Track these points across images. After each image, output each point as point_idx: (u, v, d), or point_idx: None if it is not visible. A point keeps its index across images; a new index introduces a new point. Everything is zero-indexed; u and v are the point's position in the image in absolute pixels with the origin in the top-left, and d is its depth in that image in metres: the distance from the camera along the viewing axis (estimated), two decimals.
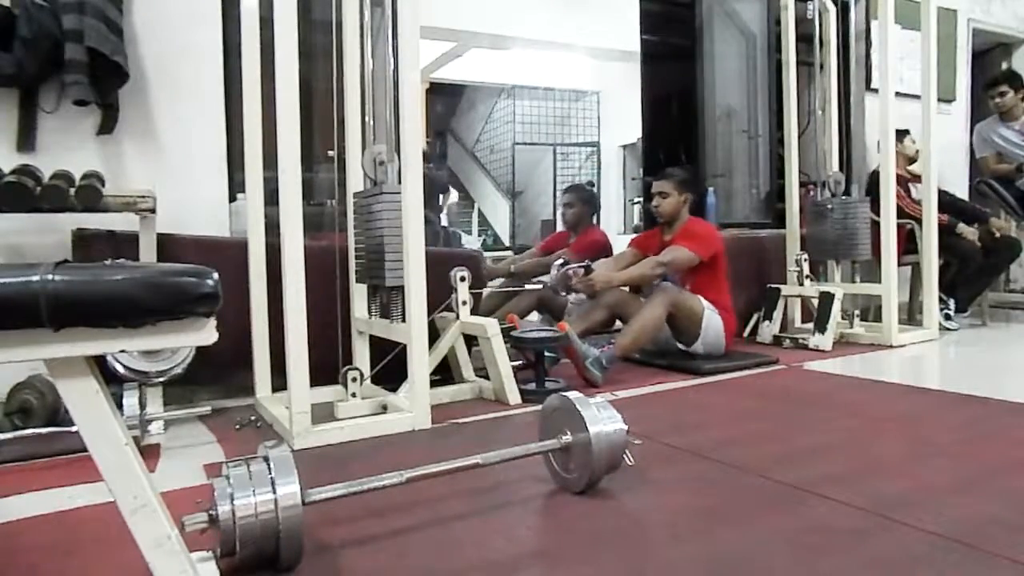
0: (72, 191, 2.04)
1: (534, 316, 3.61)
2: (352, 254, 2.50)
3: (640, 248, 3.29)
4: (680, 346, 3.05)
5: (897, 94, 3.54)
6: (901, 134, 3.96)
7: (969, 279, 3.99)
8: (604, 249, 3.77)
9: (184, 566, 0.90)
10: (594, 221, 4.01)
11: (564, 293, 3.00)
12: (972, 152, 4.92)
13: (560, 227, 4.23)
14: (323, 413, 2.14)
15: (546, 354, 2.61)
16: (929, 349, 3.46)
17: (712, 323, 2.98)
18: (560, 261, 3.03)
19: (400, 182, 2.17)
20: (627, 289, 3.18)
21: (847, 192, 3.79)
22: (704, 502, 1.52)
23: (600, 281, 2.92)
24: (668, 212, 3.16)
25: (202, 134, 2.60)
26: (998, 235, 4.01)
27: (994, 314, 4.28)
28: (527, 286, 3.40)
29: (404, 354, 2.16)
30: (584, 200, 3.85)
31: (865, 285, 3.64)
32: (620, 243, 4.55)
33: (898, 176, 3.71)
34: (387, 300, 2.32)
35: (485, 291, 3.14)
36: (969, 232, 3.96)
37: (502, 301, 3.50)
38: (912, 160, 4.13)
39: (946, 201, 3.88)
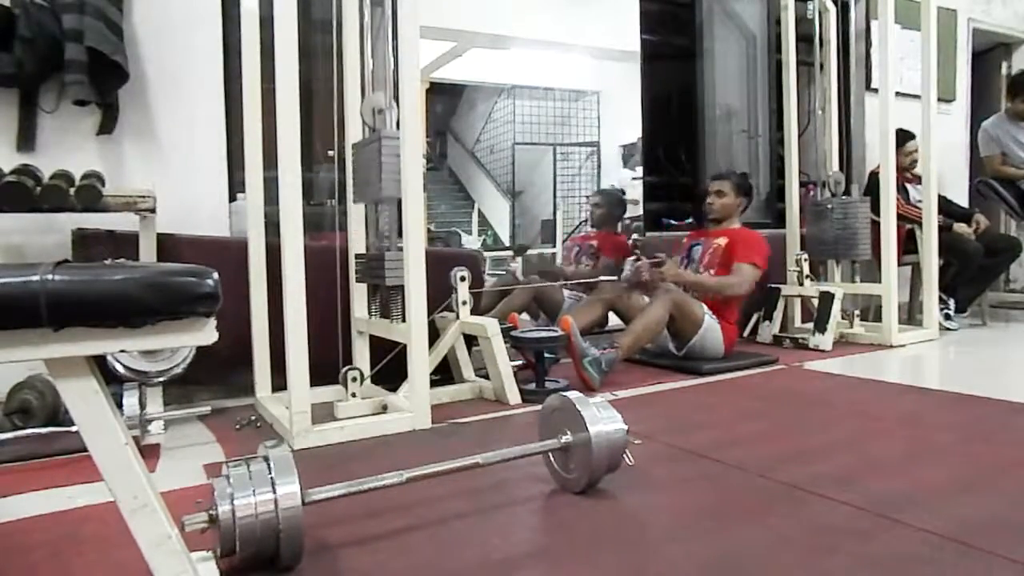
0: (72, 191, 2.04)
1: (525, 316, 3.63)
2: (352, 254, 2.50)
3: (691, 237, 3.34)
4: (673, 348, 3.05)
5: (897, 94, 3.54)
6: (906, 138, 3.94)
7: (970, 279, 3.99)
8: (627, 252, 3.83)
9: (184, 566, 0.90)
10: (619, 228, 4.07)
11: (635, 287, 3.04)
12: (972, 152, 4.91)
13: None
14: (323, 413, 2.14)
15: (546, 354, 2.61)
16: (929, 349, 3.46)
17: (710, 331, 2.97)
18: (633, 257, 3.08)
19: None
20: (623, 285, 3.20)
21: (847, 192, 3.79)
22: (704, 502, 1.52)
23: (670, 275, 2.96)
24: (722, 211, 3.20)
25: (202, 134, 2.60)
26: (980, 228, 4.01)
27: (994, 314, 4.28)
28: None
29: (404, 354, 2.17)
30: (611, 203, 4.00)
31: (865, 285, 3.64)
32: None
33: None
34: (387, 300, 2.32)
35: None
36: (966, 230, 3.96)
37: (496, 300, 3.51)
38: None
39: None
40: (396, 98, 2.18)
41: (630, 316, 3.03)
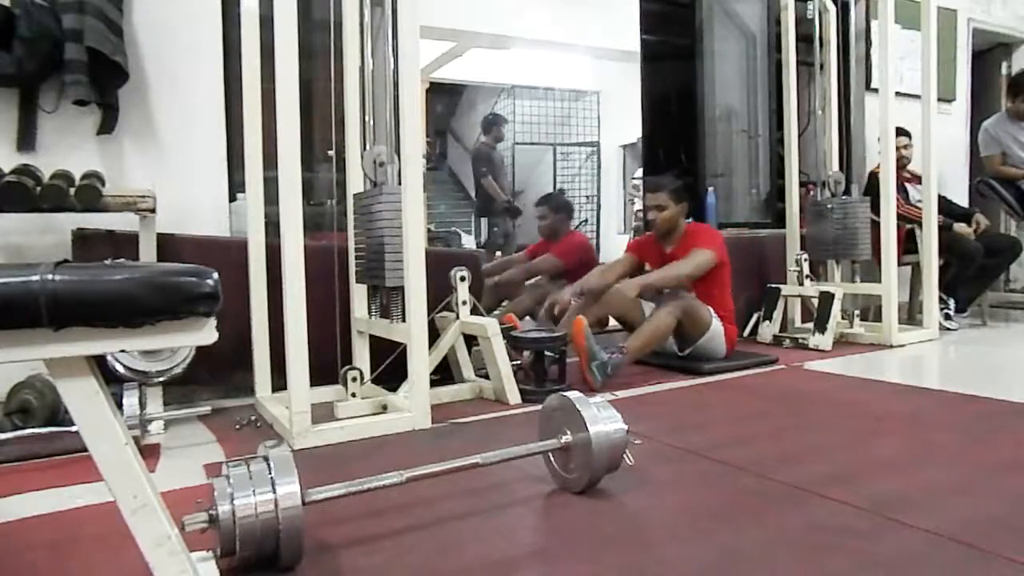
0: (72, 191, 2.04)
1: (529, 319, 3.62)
2: (352, 254, 2.51)
3: (638, 255, 3.24)
4: (676, 350, 3.05)
5: (897, 94, 3.54)
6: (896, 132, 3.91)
7: (970, 279, 3.99)
8: (586, 250, 3.82)
9: (184, 566, 0.90)
10: (571, 227, 4.03)
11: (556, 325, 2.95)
12: (972, 152, 4.91)
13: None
14: (323, 413, 2.14)
15: (546, 353, 2.60)
16: (929, 349, 3.46)
17: (716, 333, 2.97)
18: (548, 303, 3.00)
19: (400, 182, 2.17)
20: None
21: (847, 192, 3.79)
22: (704, 502, 1.53)
23: (616, 301, 2.87)
24: (665, 225, 3.08)
25: (202, 134, 2.60)
26: (980, 228, 4.01)
27: (994, 314, 4.28)
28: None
29: (404, 354, 2.17)
30: (556, 208, 3.88)
31: (865, 285, 3.64)
32: (619, 243, 4.53)
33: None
34: (387, 300, 2.32)
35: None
36: (966, 230, 3.96)
37: (497, 302, 3.51)
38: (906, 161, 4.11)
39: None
40: (398, 151, 2.18)
41: (629, 319, 3.03)
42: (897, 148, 3.90)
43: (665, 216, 3.06)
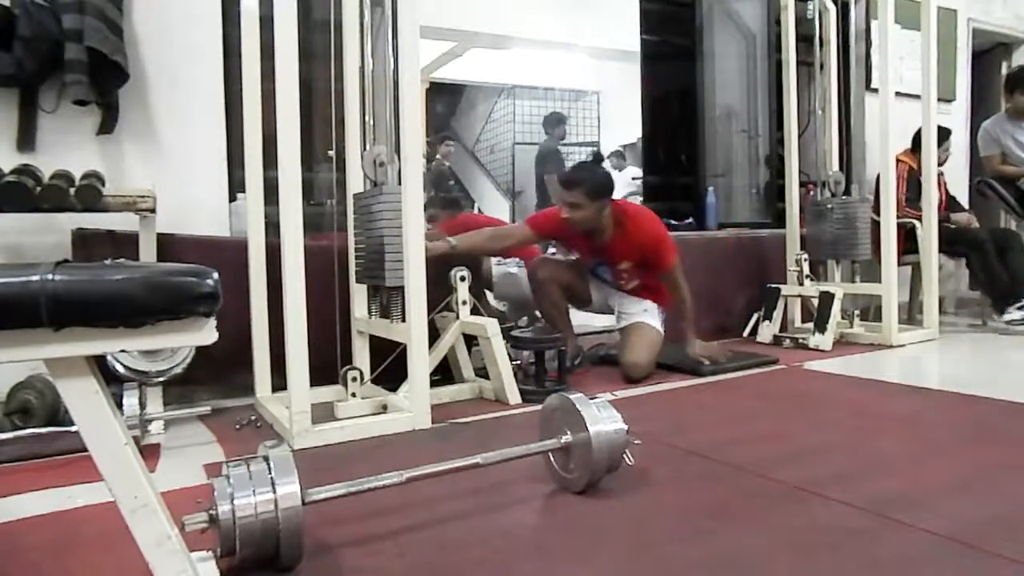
0: (72, 191, 2.04)
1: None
2: (352, 254, 2.51)
3: (543, 235, 2.95)
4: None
5: (897, 94, 3.54)
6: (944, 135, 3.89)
7: (1013, 272, 3.88)
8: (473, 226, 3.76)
9: (184, 566, 0.90)
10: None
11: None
12: (972, 152, 4.91)
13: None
14: (323, 413, 2.14)
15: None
16: (929, 349, 3.46)
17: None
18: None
19: (400, 182, 2.17)
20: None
21: (847, 192, 3.79)
22: (704, 502, 1.52)
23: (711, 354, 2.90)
24: (584, 222, 2.72)
25: (202, 134, 2.60)
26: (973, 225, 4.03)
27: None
28: None
29: (404, 354, 2.17)
30: (444, 206, 4.13)
31: (865, 285, 3.64)
32: None
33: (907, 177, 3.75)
34: (387, 300, 2.32)
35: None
36: (963, 219, 3.97)
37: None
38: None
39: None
40: (398, 151, 2.18)
41: (577, 292, 2.98)
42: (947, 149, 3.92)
43: (581, 215, 2.69)
